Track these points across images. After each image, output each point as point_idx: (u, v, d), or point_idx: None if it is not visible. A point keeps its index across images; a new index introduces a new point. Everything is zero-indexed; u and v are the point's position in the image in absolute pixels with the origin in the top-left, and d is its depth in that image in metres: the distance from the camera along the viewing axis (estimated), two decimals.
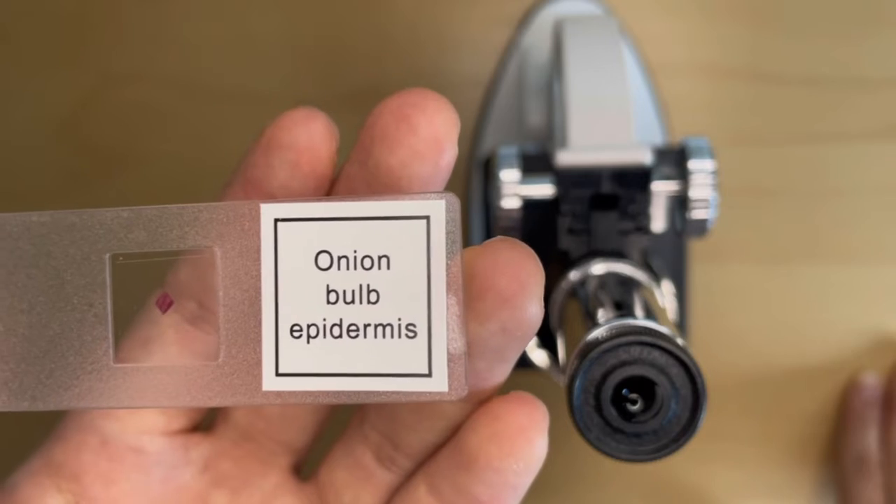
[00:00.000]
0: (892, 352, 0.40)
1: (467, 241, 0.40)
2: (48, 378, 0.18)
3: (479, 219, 0.40)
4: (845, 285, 0.40)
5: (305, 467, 0.23)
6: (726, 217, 0.36)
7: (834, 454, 0.40)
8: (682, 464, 0.41)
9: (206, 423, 0.23)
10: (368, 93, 0.40)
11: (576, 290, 0.27)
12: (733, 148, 0.40)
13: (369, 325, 0.17)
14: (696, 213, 0.28)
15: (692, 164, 0.28)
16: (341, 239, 0.17)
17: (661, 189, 0.29)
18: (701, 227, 0.29)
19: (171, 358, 0.20)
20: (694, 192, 0.28)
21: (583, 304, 0.26)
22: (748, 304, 0.41)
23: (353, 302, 0.17)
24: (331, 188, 0.19)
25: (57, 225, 0.18)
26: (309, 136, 0.19)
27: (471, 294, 0.17)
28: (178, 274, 0.20)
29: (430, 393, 0.17)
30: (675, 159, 0.29)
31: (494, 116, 0.40)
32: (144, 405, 0.18)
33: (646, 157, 0.28)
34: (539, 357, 0.31)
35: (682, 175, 0.28)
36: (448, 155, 0.18)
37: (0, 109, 0.41)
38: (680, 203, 0.29)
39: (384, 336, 0.17)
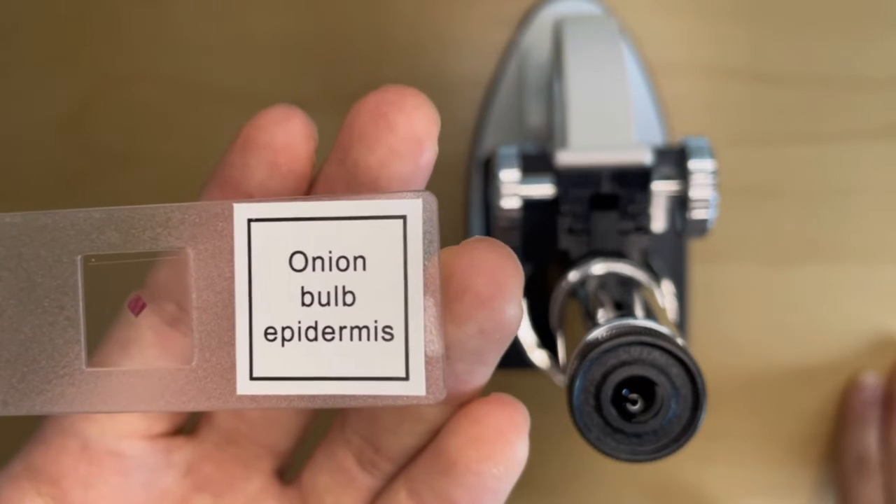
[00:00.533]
0: (892, 352, 0.40)
1: None
2: (20, 382, 0.18)
3: (479, 219, 0.40)
4: (845, 285, 0.40)
5: (289, 471, 0.23)
6: (726, 217, 0.36)
7: (834, 454, 0.40)
8: (683, 463, 0.41)
9: (188, 426, 0.22)
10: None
11: (576, 290, 0.27)
12: (733, 148, 0.40)
13: (345, 327, 0.17)
14: (696, 213, 0.28)
15: (692, 164, 0.28)
16: (316, 239, 0.17)
17: (661, 189, 0.29)
18: (701, 227, 0.29)
19: (149, 360, 0.20)
20: (694, 192, 0.28)
21: (583, 304, 0.26)
22: (748, 304, 0.41)
23: (328, 304, 0.17)
24: (310, 188, 0.19)
25: (28, 226, 0.17)
26: (286, 134, 0.18)
27: (448, 295, 0.17)
28: (157, 275, 0.20)
29: (407, 397, 0.17)
30: (675, 159, 0.29)
31: (494, 116, 0.40)
32: (118, 410, 0.18)
33: (646, 157, 0.28)
34: (539, 357, 0.31)
35: (682, 175, 0.28)
36: (428, 154, 0.17)
37: (1, 109, 0.41)
38: (680, 203, 0.29)
39: (360, 339, 0.17)
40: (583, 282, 0.27)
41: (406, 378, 0.17)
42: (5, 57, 0.41)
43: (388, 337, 0.17)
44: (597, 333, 0.21)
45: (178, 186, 0.41)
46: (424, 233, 0.16)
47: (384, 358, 0.17)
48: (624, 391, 0.20)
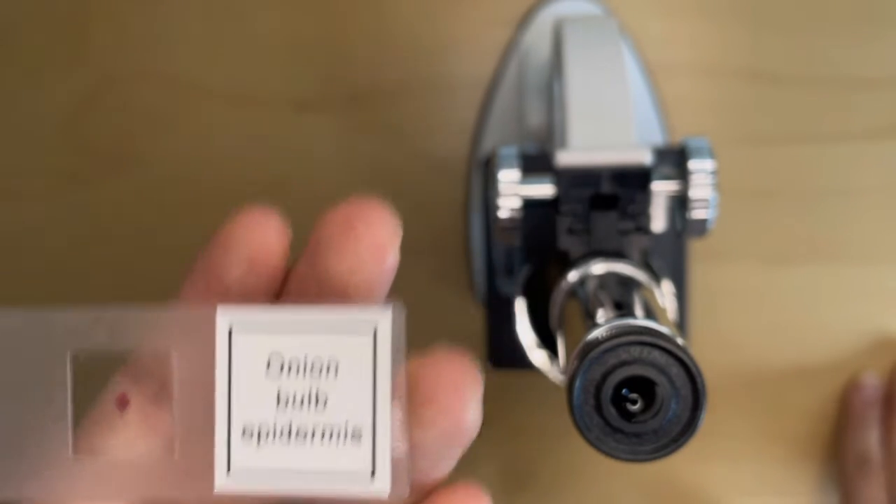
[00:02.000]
0: (892, 352, 0.40)
1: (467, 243, 0.40)
2: (9, 470, 0.19)
3: (479, 219, 0.40)
4: (845, 285, 0.40)
5: None
6: (726, 217, 0.36)
7: (835, 453, 0.40)
8: (683, 462, 0.41)
9: None
10: (368, 93, 0.40)
11: (576, 290, 0.27)
12: (733, 148, 0.40)
13: (317, 428, 0.18)
14: (696, 213, 0.28)
15: (692, 164, 0.28)
16: (293, 344, 0.18)
17: (661, 189, 0.29)
18: (701, 227, 0.29)
19: (133, 439, 0.21)
20: (694, 192, 0.28)
21: (583, 304, 0.26)
22: (748, 304, 0.41)
23: (302, 406, 0.18)
24: (283, 284, 0.21)
25: (22, 324, 0.19)
26: (263, 234, 0.20)
27: (414, 402, 0.18)
28: (140, 357, 0.21)
29: (373, 493, 0.18)
30: (675, 159, 0.29)
31: (494, 116, 0.40)
32: (103, 497, 0.19)
33: (646, 157, 0.28)
34: (539, 357, 0.31)
35: (682, 175, 0.28)
36: (390, 260, 0.19)
37: (0, 109, 0.41)
38: (680, 203, 0.29)
39: (331, 439, 0.18)
40: (583, 282, 0.27)
41: (373, 477, 0.18)
42: (4, 56, 0.41)
43: (357, 438, 0.18)
44: (597, 333, 0.21)
45: (177, 186, 0.41)
46: (392, 342, 0.18)
47: (353, 457, 0.18)
48: (624, 391, 0.20)
